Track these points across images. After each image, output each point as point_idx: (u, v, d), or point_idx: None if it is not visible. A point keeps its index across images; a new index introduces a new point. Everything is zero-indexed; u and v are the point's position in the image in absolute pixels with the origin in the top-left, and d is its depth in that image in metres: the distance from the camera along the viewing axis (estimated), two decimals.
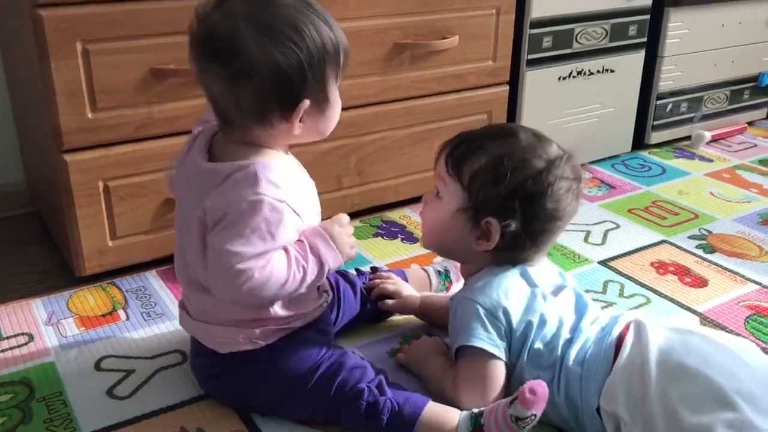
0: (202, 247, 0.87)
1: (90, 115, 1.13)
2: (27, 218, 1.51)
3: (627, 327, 0.92)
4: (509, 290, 0.93)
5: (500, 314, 0.91)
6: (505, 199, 0.91)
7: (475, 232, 0.94)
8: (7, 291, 1.23)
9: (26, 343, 1.08)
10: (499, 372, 0.91)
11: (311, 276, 0.88)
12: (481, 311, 0.91)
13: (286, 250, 0.86)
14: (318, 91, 0.85)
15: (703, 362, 0.83)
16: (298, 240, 0.89)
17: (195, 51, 0.83)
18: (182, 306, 0.97)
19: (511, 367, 0.93)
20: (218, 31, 0.80)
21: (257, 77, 0.81)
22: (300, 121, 0.86)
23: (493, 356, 0.91)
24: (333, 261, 0.90)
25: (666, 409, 0.82)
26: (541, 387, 0.83)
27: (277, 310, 0.90)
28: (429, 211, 1.00)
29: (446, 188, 0.96)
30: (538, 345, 0.91)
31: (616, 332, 0.91)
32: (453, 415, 0.88)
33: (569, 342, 0.91)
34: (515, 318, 0.92)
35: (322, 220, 0.94)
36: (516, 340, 0.92)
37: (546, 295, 0.94)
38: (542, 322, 0.92)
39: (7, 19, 1.31)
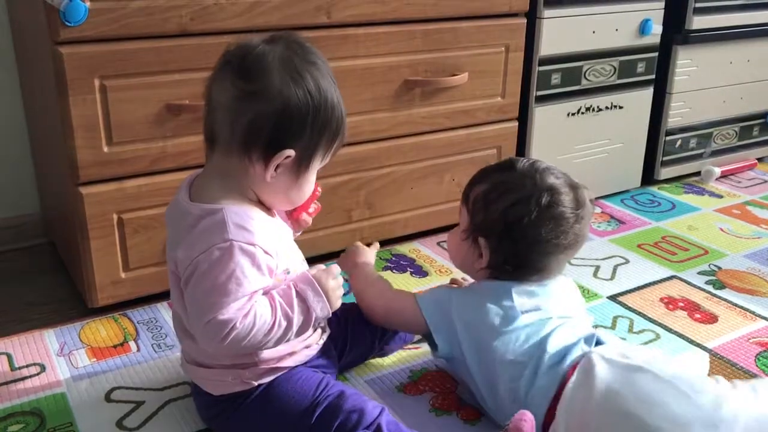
0: (180, 295, 0.87)
1: (106, 149, 1.15)
2: (41, 249, 1.53)
3: (574, 368, 0.92)
4: (469, 305, 1.00)
5: (451, 317, 0.99)
6: (494, 221, 1.00)
7: (475, 251, 1.03)
8: (21, 321, 1.25)
9: (38, 374, 1.09)
10: (412, 317, 1.02)
11: (297, 324, 0.87)
12: (435, 303, 1.02)
13: (270, 296, 0.86)
14: (305, 152, 0.87)
15: (648, 409, 0.84)
16: (285, 286, 0.88)
17: (221, 62, 0.86)
18: (182, 349, 0.98)
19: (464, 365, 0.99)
20: (254, 54, 0.84)
21: (265, 104, 0.83)
22: (276, 170, 0.86)
23: (420, 314, 1.01)
24: (321, 310, 0.89)
25: None
26: (525, 422, 0.84)
27: (264, 353, 0.89)
28: (450, 235, 1.10)
29: (461, 215, 1.07)
30: (499, 352, 0.95)
31: (564, 366, 0.93)
32: None
33: (525, 367, 0.94)
34: (463, 328, 0.98)
35: (333, 254, 0.95)
36: (462, 342, 0.98)
37: (517, 317, 0.97)
38: (506, 341, 0.96)
39: (27, 55, 1.35)
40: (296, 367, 0.93)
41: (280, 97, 0.82)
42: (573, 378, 0.90)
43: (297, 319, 0.87)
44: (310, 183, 0.91)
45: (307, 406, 0.89)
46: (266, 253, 0.85)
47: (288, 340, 0.88)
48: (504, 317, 0.97)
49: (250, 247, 0.83)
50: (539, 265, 1.00)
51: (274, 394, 0.91)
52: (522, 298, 0.99)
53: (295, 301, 0.87)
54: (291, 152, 0.85)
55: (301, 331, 0.88)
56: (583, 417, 0.87)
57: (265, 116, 0.83)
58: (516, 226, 0.98)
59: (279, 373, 0.92)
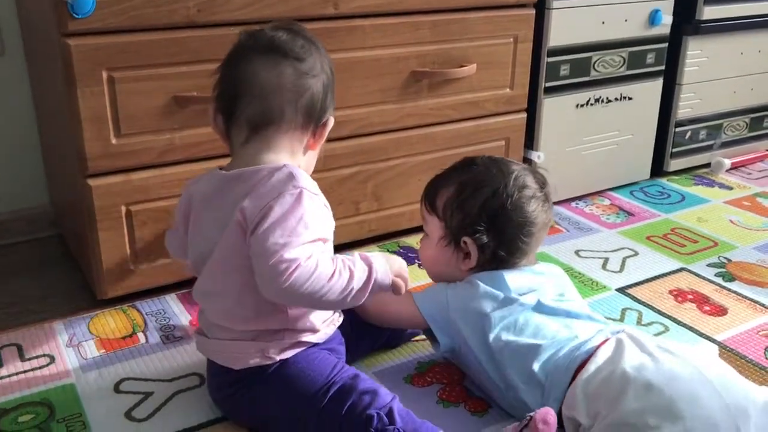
0: (234, 252, 0.89)
1: (114, 141, 1.16)
2: (50, 241, 1.54)
3: (603, 342, 0.94)
4: (466, 299, 1.01)
5: (449, 313, 1.01)
6: (474, 218, 1.02)
7: (459, 254, 1.04)
8: (30, 313, 1.26)
9: (47, 365, 1.10)
10: (410, 316, 1.04)
11: (358, 281, 0.88)
12: (432, 301, 1.03)
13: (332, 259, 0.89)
14: (331, 116, 0.97)
15: (676, 386, 0.84)
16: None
17: (262, 48, 0.92)
18: (199, 331, 0.99)
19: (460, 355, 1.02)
20: (290, 39, 0.93)
21: (317, 79, 0.93)
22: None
23: (418, 312, 1.03)
24: (383, 273, 0.90)
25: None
26: (552, 416, 0.84)
27: (292, 319, 0.92)
28: (422, 249, 1.12)
29: (429, 225, 1.09)
30: (504, 338, 0.96)
31: (588, 346, 0.94)
32: None
33: (540, 348, 0.95)
34: (464, 323, 1.00)
35: (340, 246, 0.96)
36: (465, 336, 0.99)
37: (515, 300, 0.99)
38: (509, 325, 0.97)
39: (35, 47, 1.35)
40: (314, 346, 0.94)
41: (324, 70, 0.94)
42: (600, 352, 0.91)
43: (358, 277, 0.88)
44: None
45: (321, 385, 0.91)
46: (325, 205, 0.92)
47: (350, 296, 0.88)
48: (502, 303, 0.99)
49: (316, 196, 0.90)
50: (525, 247, 1.03)
51: (290, 371, 0.92)
52: (516, 281, 1.01)
53: (358, 259, 0.90)
54: (332, 118, 0.97)
55: (362, 292, 0.89)
56: (606, 384, 0.87)
57: (319, 90, 0.93)
58: (500, 213, 1.01)
59: (299, 349, 0.93)
